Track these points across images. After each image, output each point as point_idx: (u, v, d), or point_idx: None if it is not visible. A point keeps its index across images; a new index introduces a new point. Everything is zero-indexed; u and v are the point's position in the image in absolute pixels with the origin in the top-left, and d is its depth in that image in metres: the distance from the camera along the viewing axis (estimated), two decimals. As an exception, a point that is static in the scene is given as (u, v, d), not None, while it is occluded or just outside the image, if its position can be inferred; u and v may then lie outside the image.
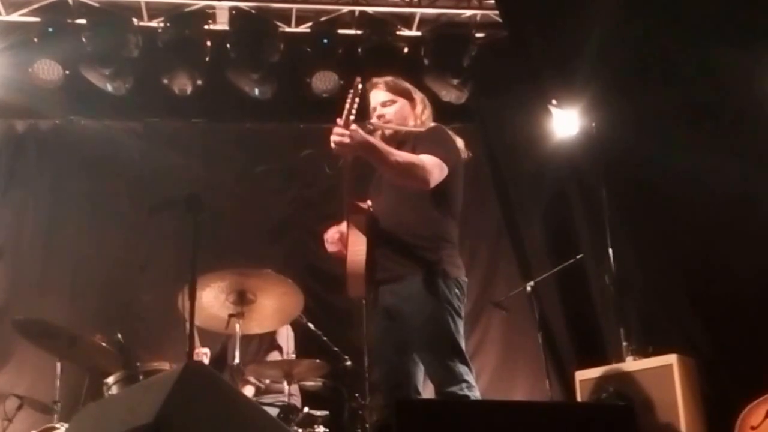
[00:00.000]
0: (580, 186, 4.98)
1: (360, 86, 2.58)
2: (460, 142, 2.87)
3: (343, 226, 2.87)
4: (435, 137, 2.80)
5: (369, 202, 2.93)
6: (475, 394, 2.65)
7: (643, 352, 3.81)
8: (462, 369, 2.64)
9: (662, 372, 3.53)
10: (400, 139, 2.90)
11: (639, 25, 3.83)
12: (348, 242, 2.75)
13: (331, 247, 2.90)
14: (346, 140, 2.53)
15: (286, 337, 4.38)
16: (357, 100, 2.57)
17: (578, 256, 4.57)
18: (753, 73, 3.51)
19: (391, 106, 2.91)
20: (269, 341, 4.34)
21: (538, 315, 4.48)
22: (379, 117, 2.91)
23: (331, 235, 2.89)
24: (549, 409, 2.38)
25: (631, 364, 3.74)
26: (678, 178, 3.86)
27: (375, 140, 2.65)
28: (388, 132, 2.90)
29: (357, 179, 2.82)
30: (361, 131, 2.58)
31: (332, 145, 2.56)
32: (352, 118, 2.55)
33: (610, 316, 4.50)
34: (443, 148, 2.75)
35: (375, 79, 2.98)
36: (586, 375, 3.87)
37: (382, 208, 2.83)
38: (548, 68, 4.54)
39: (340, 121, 2.56)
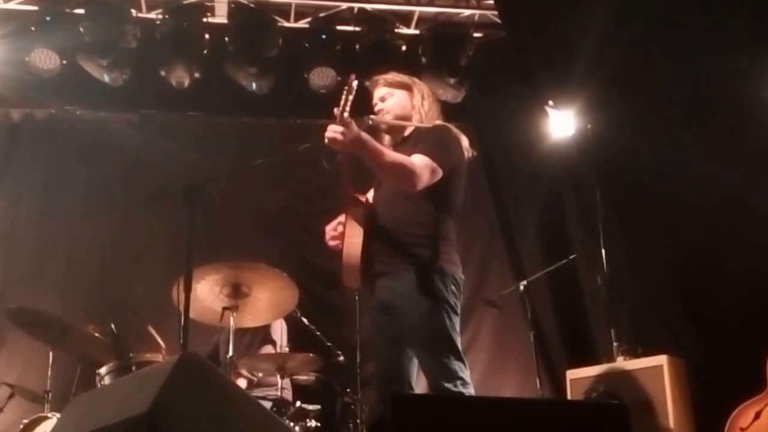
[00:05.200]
0: (575, 187, 5.01)
1: (355, 83, 2.58)
2: (464, 141, 2.88)
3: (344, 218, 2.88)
4: (436, 138, 2.80)
5: (370, 195, 2.94)
6: (470, 390, 2.66)
7: (633, 353, 3.83)
8: (457, 366, 2.65)
9: (653, 372, 3.56)
10: (404, 134, 2.91)
11: (635, 27, 3.86)
12: (345, 234, 2.76)
13: (332, 242, 2.89)
14: (339, 137, 2.53)
15: (280, 331, 4.39)
16: (351, 97, 2.56)
17: (571, 257, 4.60)
18: (748, 76, 3.54)
19: (389, 99, 2.93)
20: (263, 335, 4.34)
21: (530, 314, 4.50)
22: (378, 112, 2.92)
23: (334, 228, 2.89)
24: (544, 406, 2.39)
25: (622, 365, 3.77)
26: (672, 180, 3.89)
27: (368, 138, 2.64)
28: (384, 127, 2.91)
29: (359, 172, 2.83)
30: (355, 128, 2.58)
31: (326, 141, 2.56)
32: (346, 114, 2.55)
33: (602, 316, 4.53)
34: (440, 151, 2.74)
35: (375, 77, 2.99)
36: (576, 374, 3.89)
37: (381, 203, 2.84)
38: (545, 69, 4.56)
39: (335, 111, 2.56)
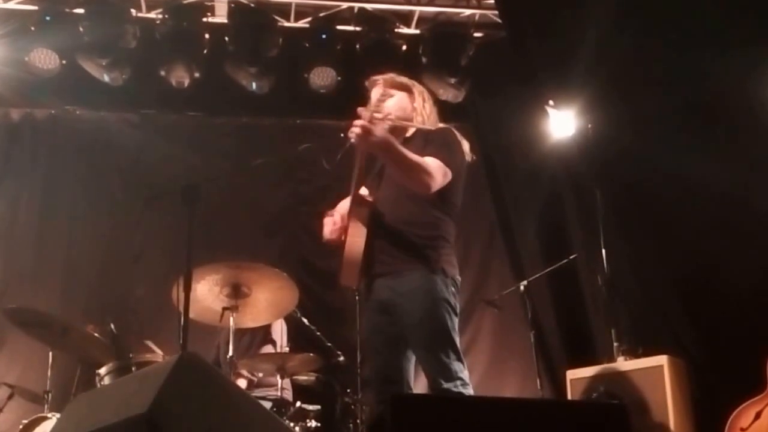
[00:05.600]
0: (575, 187, 5.00)
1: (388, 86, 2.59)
2: (465, 145, 2.89)
3: (343, 209, 2.88)
4: (444, 140, 2.82)
5: (366, 191, 2.94)
6: (469, 391, 2.67)
7: (633, 353, 3.83)
8: (457, 366, 2.66)
9: (653, 373, 3.55)
10: (405, 136, 2.91)
11: (635, 27, 3.85)
12: (348, 232, 2.75)
13: (330, 234, 2.87)
14: (368, 135, 2.53)
15: (280, 331, 4.38)
16: (385, 97, 2.58)
17: (571, 257, 4.59)
18: (749, 76, 3.53)
19: (389, 100, 2.92)
20: (263, 335, 4.33)
21: (530, 314, 4.50)
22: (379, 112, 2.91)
23: (333, 221, 2.87)
24: (544, 406, 2.39)
25: (622, 365, 3.76)
26: (672, 180, 3.89)
27: (394, 139, 2.66)
28: (386, 127, 2.90)
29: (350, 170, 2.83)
30: (381, 127, 2.59)
31: (351, 136, 2.55)
32: (378, 115, 2.55)
33: (602, 316, 4.52)
34: (450, 153, 2.77)
35: (373, 77, 2.98)
36: (577, 374, 3.89)
37: (384, 202, 2.83)
38: (545, 69, 4.55)
39: (363, 113, 2.56)
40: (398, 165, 2.66)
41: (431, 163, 2.69)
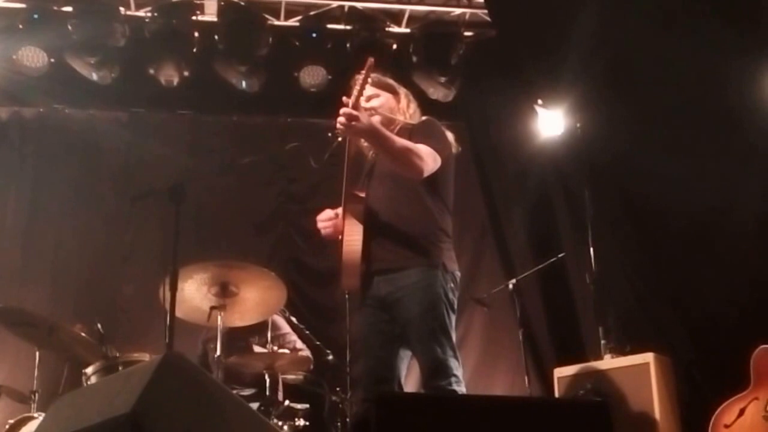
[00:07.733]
0: (564, 185, 5.02)
1: (371, 66, 2.56)
2: (450, 136, 2.89)
3: (337, 209, 2.87)
4: (429, 129, 2.83)
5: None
6: (462, 389, 2.65)
7: (620, 351, 3.85)
8: (453, 363, 2.64)
9: (639, 370, 3.56)
10: (392, 131, 2.91)
11: (625, 26, 3.87)
12: (344, 232, 2.73)
13: (324, 228, 2.85)
14: (354, 122, 2.51)
15: (290, 331, 4.33)
16: (369, 80, 2.55)
17: (560, 255, 4.61)
18: (742, 77, 3.55)
19: (375, 99, 2.92)
20: (271, 335, 4.17)
21: (519, 312, 4.51)
22: (366, 109, 2.91)
23: (326, 215, 2.86)
24: (527, 404, 2.41)
25: (609, 362, 3.78)
26: (660, 180, 3.91)
27: (379, 123, 2.66)
28: (377, 119, 2.91)
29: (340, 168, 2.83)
30: (367, 114, 2.59)
31: (338, 126, 2.54)
32: (365, 104, 2.54)
33: (590, 314, 4.54)
34: (437, 140, 2.78)
35: (358, 75, 2.99)
36: (564, 372, 3.90)
37: (378, 199, 2.81)
38: (535, 68, 4.57)
39: (347, 100, 2.54)
40: (387, 150, 2.65)
41: (421, 147, 2.69)
